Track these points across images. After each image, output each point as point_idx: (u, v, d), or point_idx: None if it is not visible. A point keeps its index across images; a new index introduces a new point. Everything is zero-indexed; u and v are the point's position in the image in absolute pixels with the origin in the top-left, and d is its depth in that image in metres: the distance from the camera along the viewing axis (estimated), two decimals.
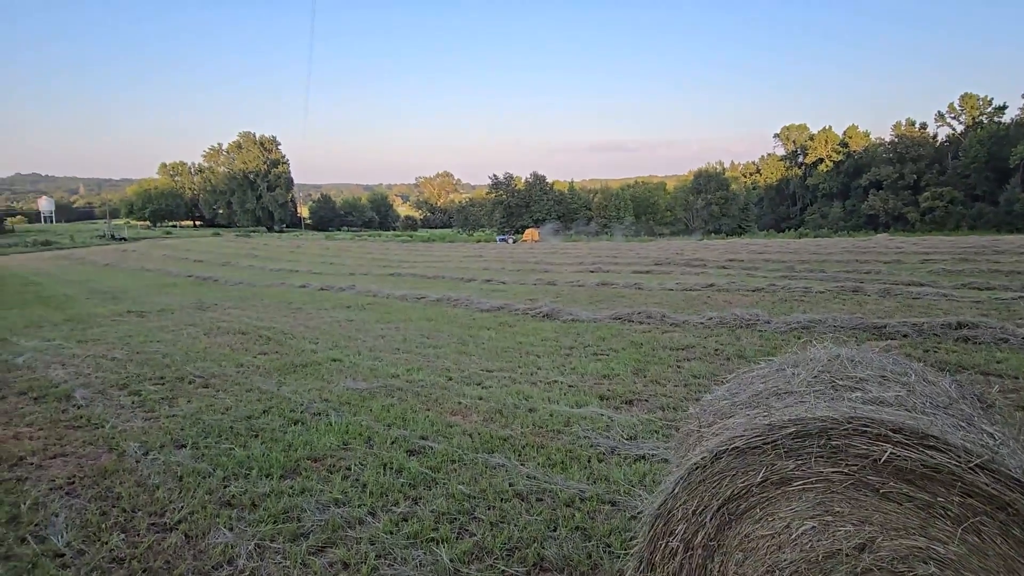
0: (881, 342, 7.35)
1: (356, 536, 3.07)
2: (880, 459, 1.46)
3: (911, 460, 1.44)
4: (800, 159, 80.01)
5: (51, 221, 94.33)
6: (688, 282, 14.89)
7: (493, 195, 79.13)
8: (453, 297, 12.95)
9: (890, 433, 1.46)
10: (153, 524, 3.25)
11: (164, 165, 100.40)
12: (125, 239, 62.00)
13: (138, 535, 3.14)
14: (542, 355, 7.33)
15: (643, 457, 3.98)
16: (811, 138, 78.13)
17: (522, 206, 75.84)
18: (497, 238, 51.39)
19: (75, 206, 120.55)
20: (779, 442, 1.57)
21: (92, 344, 8.64)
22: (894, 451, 1.45)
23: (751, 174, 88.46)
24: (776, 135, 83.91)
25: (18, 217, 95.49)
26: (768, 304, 10.79)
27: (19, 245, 54.30)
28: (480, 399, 5.47)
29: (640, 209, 77.20)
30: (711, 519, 1.66)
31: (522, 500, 3.43)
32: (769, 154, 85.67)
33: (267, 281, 19.75)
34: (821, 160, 75.25)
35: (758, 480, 1.60)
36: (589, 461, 3.95)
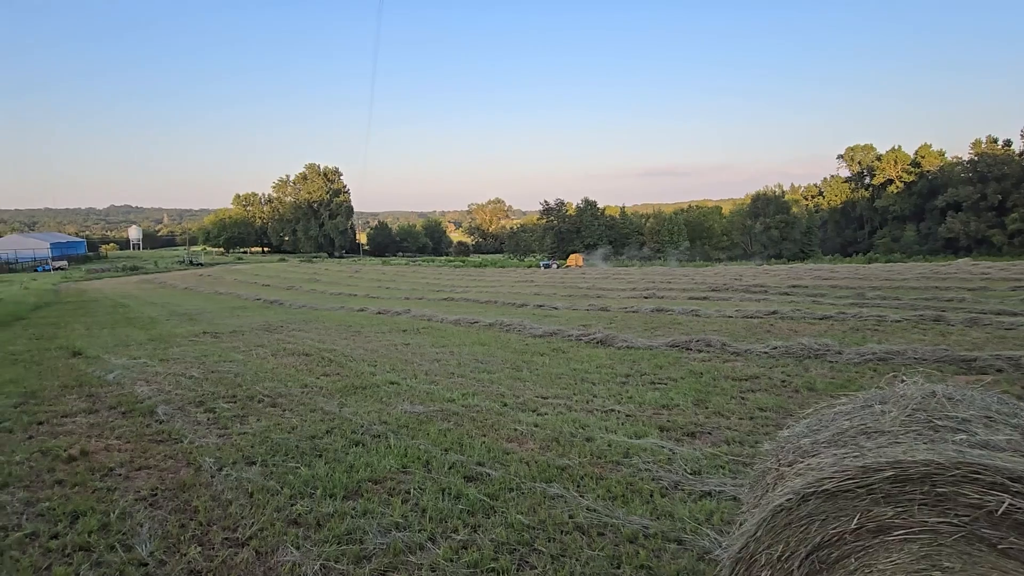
0: (971, 377, 6.76)
1: (417, 562, 3.08)
2: (997, 511, 1.33)
3: None
4: (867, 180, 76.20)
5: (139, 248, 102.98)
6: (748, 309, 14.31)
7: (544, 221, 79.67)
8: (506, 322, 13.01)
9: (1007, 482, 1.33)
10: (227, 539, 3.39)
11: (238, 196, 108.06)
12: (202, 264, 66.60)
13: (213, 549, 3.28)
14: (597, 382, 7.21)
15: (709, 494, 3.80)
16: (878, 158, 74.38)
17: (573, 231, 75.84)
18: (541, 264, 51.11)
19: (159, 234, 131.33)
20: (875, 486, 1.45)
21: (172, 363, 9.25)
22: (1013, 502, 1.31)
23: (813, 197, 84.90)
24: (840, 156, 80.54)
25: (111, 244, 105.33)
26: (838, 333, 10.20)
27: (111, 270, 59.59)
28: (536, 426, 5.42)
29: (694, 234, 75.48)
30: (799, 567, 1.54)
31: (583, 534, 3.34)
32: (832, 176, 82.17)
33: (328, 305, 20.57)
34: (891, 181, 71.36)
35: (852, 527, 1.47)
36: (651, 495, 3.81)
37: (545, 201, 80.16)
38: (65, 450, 4.96)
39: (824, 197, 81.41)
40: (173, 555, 3.22)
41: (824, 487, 1.49)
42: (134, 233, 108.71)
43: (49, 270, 62.57)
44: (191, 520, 3.62)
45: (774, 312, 13.60)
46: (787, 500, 1.55)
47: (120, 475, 4.42)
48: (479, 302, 19.89)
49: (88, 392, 7.30)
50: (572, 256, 52.51)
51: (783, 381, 6.99)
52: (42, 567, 3.12)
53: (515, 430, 5.32)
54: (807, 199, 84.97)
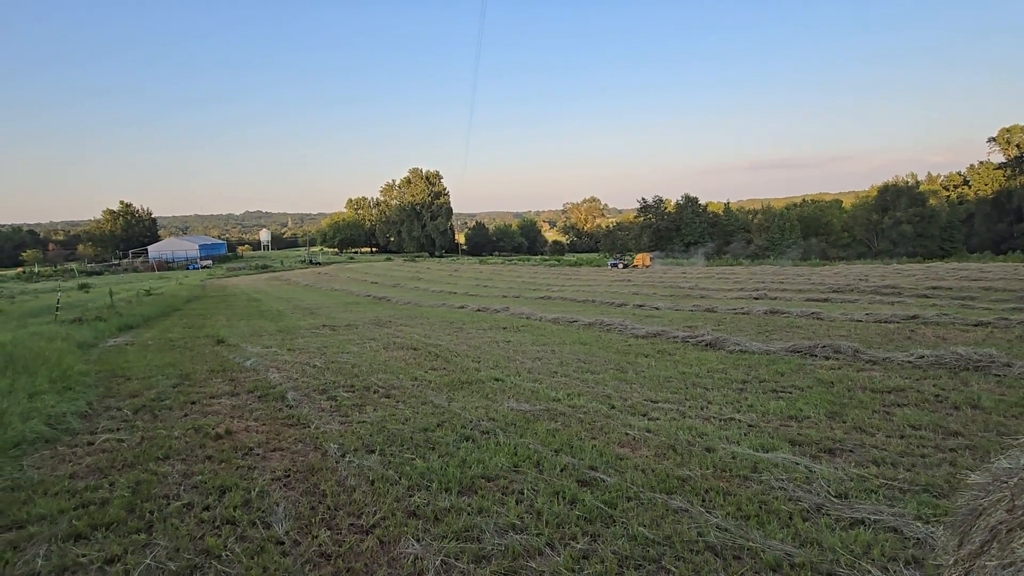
0: None
1: (538, 568, 2.98)
2: None
3: None
4: None
5: (268, 248, 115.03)
6: (881, 312, 12.75)
7: (641, 219, 77.29)
8: (606, 322, 12.67)
9: None
10: (352, 525, 3.53)
11: (350, 200, 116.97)
12: (320, 263, 72.72)
13: (340, 534, 3.42)
14: (711, 388, 6.73)
15: (861, 522, 3.33)
16: None
17: (672, 229, 72.85)
18: (609, 263, 49.02)
19: (284, 236, 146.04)
20: None
21: (298, 352, 10.06)
22: None
23: (955, 187, 74.33)
24: (991, 139, 69.75)
25: (246, 246, 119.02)
26: (1002, 342, 8.73)
27: (246, 268, 67.07)
28: (648, 432, 5.14)
29: (809, 230, 69.13)
30: None
31: (716, 555, 3.05)
32: (981, 162, 71.36)
33: (430, 302, 21.41)
34: None
35: None
36: (791, 518, 3.41)
37: (643, 198, 77.83)
38: (213, 428, 5.51)
39: (970, 186, 71.03)
40: (305, 536, 3.40)
41: None
42: (264, 235, 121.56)
43: (198, 268, 71.74)
44: (320, 503, 3.82)
45: (914, 316, 11.99)
46: None
47: (258, 455, 4.80)
48: (576, 301, 19.63)
49: (230, 377, 8.11)
50: (639, 256, 50.03)
51: (936, 396, 6.07)
52: (197, 536, 3.43)
53: (626, 434, 5.09)
54: (948, 189, 74.56)
